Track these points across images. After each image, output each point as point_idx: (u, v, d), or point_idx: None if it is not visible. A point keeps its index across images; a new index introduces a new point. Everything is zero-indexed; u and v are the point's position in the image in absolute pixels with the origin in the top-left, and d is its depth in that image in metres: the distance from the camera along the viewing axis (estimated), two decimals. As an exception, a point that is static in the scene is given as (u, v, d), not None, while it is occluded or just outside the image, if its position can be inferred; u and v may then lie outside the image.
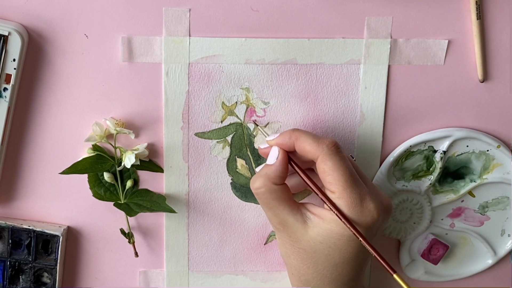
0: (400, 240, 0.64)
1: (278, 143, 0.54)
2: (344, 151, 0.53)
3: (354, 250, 0.52)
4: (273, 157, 0.53)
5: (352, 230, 0.50)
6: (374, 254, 0.50)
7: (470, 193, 0.62)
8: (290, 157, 0.54)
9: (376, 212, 0.51)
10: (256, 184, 0.53)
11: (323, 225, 0.52)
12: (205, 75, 0.58)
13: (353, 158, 0.60)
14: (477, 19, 0.57)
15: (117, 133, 0.57)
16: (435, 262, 0.63)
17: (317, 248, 0.52)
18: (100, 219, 0.61)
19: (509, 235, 0.64)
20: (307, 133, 0.53)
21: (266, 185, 0.53)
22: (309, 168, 0.56)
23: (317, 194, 0.52)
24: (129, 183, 0.59)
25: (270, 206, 0.53)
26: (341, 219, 0.50)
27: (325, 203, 0.51)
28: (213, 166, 0.60)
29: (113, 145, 0.58)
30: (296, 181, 0.57)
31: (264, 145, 0.56)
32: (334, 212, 0.51)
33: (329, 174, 0.51)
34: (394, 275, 0.49)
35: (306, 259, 0.53)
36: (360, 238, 0.50)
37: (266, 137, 0.56)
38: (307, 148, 0.52)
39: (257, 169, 0.57)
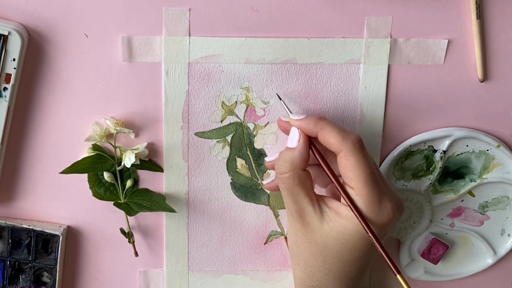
0: (400, 239, 0.64)
1: (301, 126, 0.53)
2: (367, 150, 0.52)
3: (364, 248, 0.52)
4: (295, 139, 0.53)
5: (365, 228, 0.50)
6: (383, 254, 0.49)
7: (470, 192, 0.62)
8: (312, 142, 0.53)
9: (392, 212, 0.51)
10: (282, 169, 0.52)
11: (338, 220, 0.51)
12: (205, 74, 0.58)
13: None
14: (477, 18, 0.57)
15: (117, 133, 0.57)
16: (435, 261, 0.63)
17: (329, 243, 0.52)
18: (100, 218, 0.61)
19: (509, 235, 0.64)
20: (333, 125, 0.52)
21: (293, 170, 0.52)
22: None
23: (336, 187, 0.52)
24: (129, 183, 0.59)
25: (292, 192, 0.52)
26: (356, 216, 0.50)
27: (342, 197, 0.51)
28: (213, 165, 0.60)
29: (113, 144, 0.58)
30: (316, 173, 0.56)
31: (285, 118, 0.55)
32: (350, 207, 0.50)
33: (351, 170, 0.50)
34: (398, 276, 0.49)
35: (316, 252, 0.53)
36: (372, 237, 0.50)
37: (289, 113, 0.55)
38: (331, 140, 0.51)
39: (268, 158, 0.57)
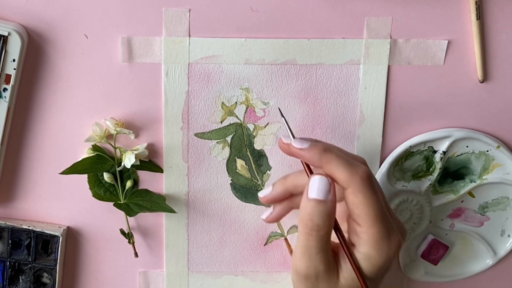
0: (400, 240, 0.64)
1: (304, 157, 0.49)
2: (375, 179, 0.49)
3: None
4: (323, 191, 0.47)
5: (359, 277, 0.47)
6: None
7: (470, 193, 0.62)
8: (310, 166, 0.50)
9: (400, 244, 0.48)
10: (317, 224, 0.47)
11: (353, 276, 0.48)
12: (205, 75, 0.58)
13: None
14: (477, 19, 0.57)
15: (117, 133, 0.57)
16: (435, 262, 0.63)
17: None
18: (100, 219, 0.61)
19: (509, 236, 0.64)
20: (340, 158, 0.48)
21: (330, 226, 0.47)
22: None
23: (340, 241, 0.48)
24: (129, 183, 0.59)
25: (325, 247, 0.48)
26: (356, 275, 0.48)
27: (346, 254, 0.48)
28: (212, 166, 0.60)
29: (113, 145, 0.58)
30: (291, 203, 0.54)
31: (286, 140, 0.51)
32: (347, 255, 0.48)
33: (359, 207, 0.47)
34: None
35: None
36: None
37: (291, 137, 0.51)
38: (338, 176, 0.47)
39: (262, 193, 0.53)
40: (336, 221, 0.49)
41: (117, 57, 0.57)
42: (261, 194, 0.54)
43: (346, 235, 0.50)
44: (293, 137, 0.51)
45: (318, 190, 0.47)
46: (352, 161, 0.48)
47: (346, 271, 0.48)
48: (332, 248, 0.49)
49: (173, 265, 0.63)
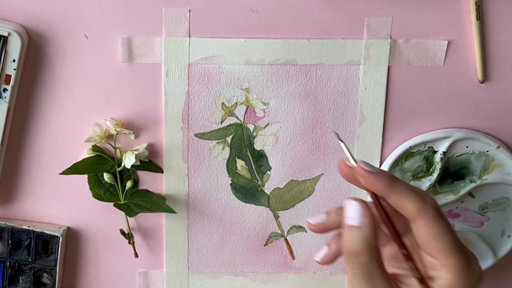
0: (400, 241, 0.64)
1: (372, 183, 0.45)
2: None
3: None
4: (356, 215, 0.44)
5: None
6: None
7: (470, 193, 0.62)
8: (380, 201, 0.45)
9: (482, 273, 0.45)
10: (358, 251, 0.44)
11: None
12: (205, 75, 0.58)
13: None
14: (477, 19, 0.57)
15: (117, 134, 0.57)
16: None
17: None
18: (100, 219, 0.61)
19: (509, 236, 0.64)
20: (410, 186, 0.45)
21: (372, 251, 0.44)
22: None
23: (412, 267, 0.45)
24: (129, 184, 0.59)
25: (370, 276, 0.44)
26: None
27: (414, 275, 0.45)
28: (213, 167, 0.60)
29: (113, 145, 0.58)
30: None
31: (353, 163, 0.45)
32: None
33: (434, 239, 0.44)
34: None
35: None
36: None
37: (352, 161, 0.45)
38: (408, 206, 0.44)
39: (313, 220, 0.48)
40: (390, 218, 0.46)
41: (117, 57, 0.57)
42: (311, 221, 0.49)
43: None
44: (355, 162, 0.46)
45: (350, 215, 0.45)
46: (422, 191, 0.45)
47: None
48: (393, 277, 0.46)
49: (173, 266, 0.63)
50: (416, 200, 0.44)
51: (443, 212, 0.45)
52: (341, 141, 0.47)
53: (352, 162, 0.45)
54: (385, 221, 0.45)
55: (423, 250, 0.45)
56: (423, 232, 0.44)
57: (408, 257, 0.45)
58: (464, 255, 0.44)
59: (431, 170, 0.61)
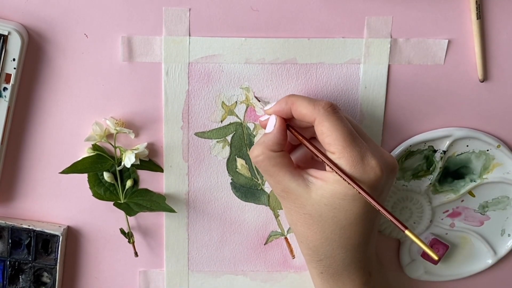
0: (400, 240, 0.64)
1: (275, 111, 0.54)
2: (341, 111, 0.53)
3: (359, 210, 0.51)
4: (271, 125, 0.54)
5: (356, 187, 0.49)
6: (382, 210, 0.49)
7: (470, 192, 0.62)
8: (289, 124, 0.54)
9: (379, 169, 0.50)
10: (255, 153, 0.53)
11: (326, 187, 0.51)
12: (205, 74, 0.58)
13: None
14: (477, 18, 0.57)
15: (117, 133, 0.57)
16: (435, 262, 0.63)
17: (322, 212, 0.52)
18: (100, 219, 0.61)
19: (509, 235, 0.64)
20: (302, 97, 0.53)
21: (264, 152, 0.53)
22: (312, 137, 0.55)
23: (317, 156, 0.52)
24: (129, 183, 0.59)
25: (270, 173, 0.53)
26: (342, 178, 0.50)
27: (327, 165, 0.51)
28: (213, 166, 0.60)
29: (113, 144, 0.58)
30: (301, 154, 0.57)
31: (264, 117, 0.56)
32: (335, 171, 0.50)
33: (328, 135, 0.51)
34: (406, 231, 0.48)
35: (313, 224, 0.53)
36: (364, 194, 0.49)
37: (263, 108, 0.56)
38: (303, 111, 0.52)
39: (255, 139, 0.59)
40: (302, 135, 0.54)
41: (117, 56, 0.57)
42: (261, 118, 0.57)
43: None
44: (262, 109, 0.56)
45: (268, 126, 0.54)
46: (315, 99, 0.53)
47: (321, 190, 0.51)
48: (300, 173, 0.53)
49: (173, 265, 0.63)
50: (308, 104, 0.52)
51: (338, 112, 0.52)
52: (256, 97, 0.58)
53: (264, 117, 0.55)
54: (296, 134, 0.54)
55: (325, 149, 0.52)
56: (319, 130, 0.51)
57: (313, 149, 0.52)
58: (357, 149, 0.50)
59: (431, 169, 0.61)
